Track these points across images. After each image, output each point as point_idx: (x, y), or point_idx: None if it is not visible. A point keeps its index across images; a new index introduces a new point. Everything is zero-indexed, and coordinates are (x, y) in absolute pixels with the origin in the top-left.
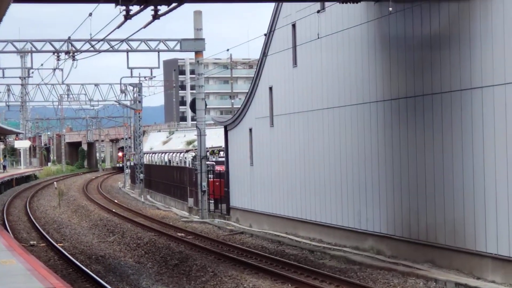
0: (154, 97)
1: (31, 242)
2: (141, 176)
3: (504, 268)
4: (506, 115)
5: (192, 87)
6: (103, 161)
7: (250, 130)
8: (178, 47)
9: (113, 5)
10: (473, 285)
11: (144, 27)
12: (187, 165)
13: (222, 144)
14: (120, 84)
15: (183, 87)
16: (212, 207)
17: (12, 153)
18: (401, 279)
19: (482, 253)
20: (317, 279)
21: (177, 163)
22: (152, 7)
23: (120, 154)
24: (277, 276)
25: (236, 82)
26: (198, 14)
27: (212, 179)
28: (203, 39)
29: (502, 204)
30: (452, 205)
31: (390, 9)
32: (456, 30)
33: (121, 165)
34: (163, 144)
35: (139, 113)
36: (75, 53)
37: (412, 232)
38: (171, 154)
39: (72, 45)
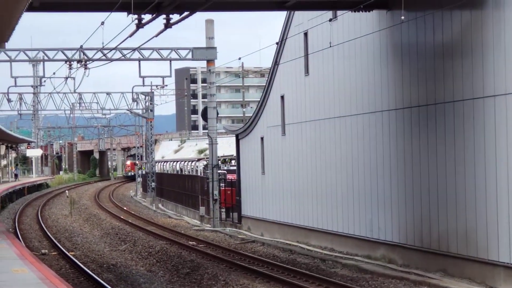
0: (166, 105)
1: (43, 251)
2: (153, 184)
3: None
4: None
5: (204, 96)
6: (115, 169)
7: (262, 138)
8: (190, 56)
9: (125, 14)
10: None
11: (156, 35)
12: (199, 174)
13: (233, 152)
14: (132, 92)
15: (194, 96)
16: (223, 215)
17: (24, 162)
18: None
19: (494, 262)
20: (328, 287)
21: (189, 172)
22: (164, 16)
23: (128, 162)
24: (289, 285)
25: (248, 90)
26: (210, 22)
27: (223, 188)
28: (215, 48)
29: None
30: (464, 214)
31: (402, 17)
32: (468, 38)
33: (130, 174)
34: (175, 153)
35: (150, 122)
36: (87, 62)
37: (424, 241)
38: (182, 162)
39: (84, 53)
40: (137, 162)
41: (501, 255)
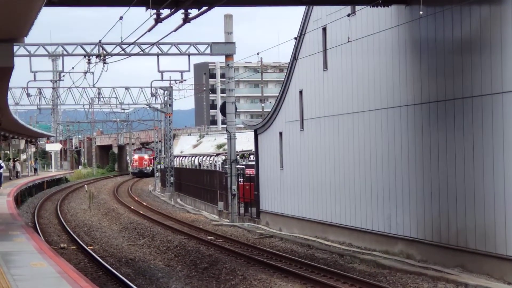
0: (185, 100)
1: (62, 245)
2: (171, 179)
3: None
4: None
5: (223, 91)
6: None
7: (280, 133)
8: (208, 51)
9: (143, 8)
10: None
11: (175, 30)
12: (217, 169)
13: (252, 147)
14: (151, 87)
15: (213, 91)
16: (242, 210)
17: (43, 156)
18: (431, 284)
19: None
20: (346, 283)
21: (207, 167)
22: (182, 11)
23: (135, 156)
24: (307, 280)
25: (267, 85)
26: (228, 17)
27: (242, 183)
28: (233, 43)
29: None
30: (482, 209)
31: (421, 12)
32: (487, 33)
33: (137, 170)
34: (193, 148)
35: (169, 117)
36: (106, 57)
37: (443, 236)
38: (201, 157)
39: (103, 48)
40: (139, 156)
41: None
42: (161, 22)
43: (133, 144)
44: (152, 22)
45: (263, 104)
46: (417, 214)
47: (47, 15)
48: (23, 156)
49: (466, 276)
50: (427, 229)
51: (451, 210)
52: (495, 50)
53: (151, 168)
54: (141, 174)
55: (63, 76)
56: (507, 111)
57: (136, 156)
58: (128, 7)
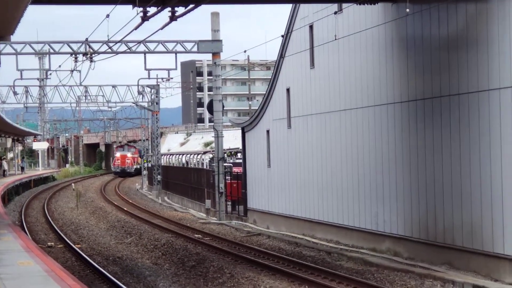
0: (172, 98)
1: (49, 244)
2: (159, 177)
3: None
4: None
5: (210, 89)
6: None
7: (268, 131)
8: (195, 49)
9: (130, 6)
10: (490, 287)
11: (162, 28)
12: (205, 167)
13: (239, 145)
14: (138, 85)
15: (200, 89)
16: (229, 208)
17: (30, 155)
18: (418, 281)
19: (500, 255)
20: (334, 280)
21: (195, 165)
22: (169, 9)
23: (117, 154)
24: (294, 278)
25: (254, 83)
26: (215, 15)
27: (229, 181)
28: (220, 41)
29: None
30: (469, 207)
31: (408, 10)
32: (473, 31)
33: (119, 169)
34: (181, 146)
35: (156, 115)
36: (93, 55)
37: (430, 234)
38: (188, 155)
39: (89, 46)
40: (128, 154)
41: (506, 248)
42: (148, 20)
43: (120, 142)
44: (139, 20)
45: (250, 102)
46: (404, 212)
47: (34, 13)
48: (10, 155)
49: (453, 273)
50: (414, 226)
51: (438, 208)
52: (481, 48)
53: (134, 167)
54: (123, 174)
55: (50, 74)
56: (494, 109)
57: (118, 154)
58: (114, 5)
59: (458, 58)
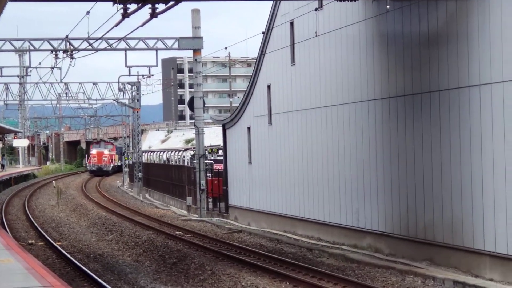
0: (153, 95)
1: (30, 241)
2: (140, 174)
3: (502, 266)
4: (504, 113)
5: (191, 86)
6: None
7: (249, 128)
8: (176, 46)
9: (110, 3)
10: (471, 283)
11: (142, 25)
12: (186, 164)
13: (220, 142)
14: (118, 82)
15: (181, 86)
16: (210, 205)
17: (11, 152)
18: (399, 277)
19: (480, 251)
20: (315, 277)
21: (176, 162)
22: (149, 5)
23: (94, 151)
24: (275, 274)
25: (235, 80)
26: (196, 12)
27: (210, 178)
28: (201, 37)
29: (500, 202)
30: (450, 203)
31: (388, 6)
32: (454, 28)
33: (96, 168)
34: (162, 143)
35: (137, 112)
36: (73, 52)
37: (411, 230)
38: (169, 152)
39: (70, 43)
40: (105, 151)
41: (487, 244)
42: (128, 17)
43: (95, 139)
44: (119, 17)
45: (231, 99)
46: (385, 208)
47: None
48: None
49: (434, 269)
50: (395, 223)
51: (419, 204)
52: (461, 44)
53: (112, 166)
54: (100, 173)
55: (30, 71)
56: (474, 105)
57: (94, 151)
58: (95, 2)
59: (439, 54)
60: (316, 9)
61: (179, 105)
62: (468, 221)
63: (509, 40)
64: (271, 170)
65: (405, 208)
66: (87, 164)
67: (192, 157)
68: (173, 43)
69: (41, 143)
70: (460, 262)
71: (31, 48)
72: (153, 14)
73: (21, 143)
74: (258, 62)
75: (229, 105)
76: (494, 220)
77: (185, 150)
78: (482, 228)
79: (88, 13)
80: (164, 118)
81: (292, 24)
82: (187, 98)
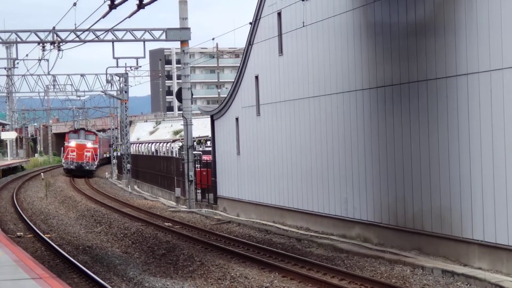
0: (141, 87)
1: (18, 233)
2: (128, 166)
3: (491, 255)
4: (491, 102)
5: (179, 77)
6: None
7: (237, 119)
8: (163, 37)
9: None
10: (459, 272)
11: (129, 16)
12: (174, 155)
13: (209, 133)
14: (106, 74)
15: (169, 77)
16: (199, 196)
17: None
18: (388, 267)
19: (468, 240)
20: (304, 267)
21: (164, 153)
22: None
23: (72, 143)
24: (265, 265)
25: (223, 71)
26: (183, 3)
27: (199, 169)
28: (188, 29)
29: (488, 190)
30: (438, 193)
31: None
32: (441, 17)
33: (74, 166)
34: (150, 134)
35: (125, 103)
36: (60, 43)
37: (399, 220)
38: (158, 144)
39: (57, 35)
40: (88, 144)
41: (475, 233)
42: (116, 8)
43: (74, 127)
44: (106, 8)
45: (219, 90)
46: (373, 198)
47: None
48: None
49: (422, 259)
50: (384, 212)
51: (407, 194)
52: (449, 33)
53: (95, 163)
54: (80, 172)
55: (17, 63)
56: (462, 95)
57: (72, 143)
58: None
59: (426, 44)
60: (303, 0)
61: (167, 97)
62: (456, 210)
63: (496, 29)
64: (260, 161)
65: (394, 198)
66: (63, 161)
67: (181, 148)
68: (161, 34)
69: (29, 135)
70: (448, 251)
71: (18, 40)
72: (140, 5)
73: (9, 136)
74: (246, 53)
75: (217, 96)
76: (483, 209)
77: (174, 141)
78: (470, 217)
79: (75, 4)
80: (152, 109)
81: (279, 14)
82: (175, 89)
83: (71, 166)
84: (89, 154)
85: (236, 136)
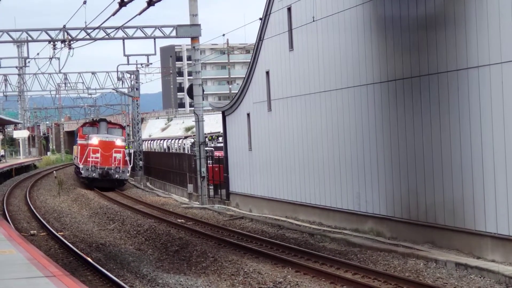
0: (152, 84)
1: (32, 232)
2: (140, 163)
3: (504, 247)
4: (503, 94)
5: (190, 73)
6: None
7: (248, 115)
8: (174, 34)
9: None
10: (473, 265)
11: (139, 14)
12: (186, 152)
13: (220, 129)
14: (117, 71)
15: (180, 74)
16: (212, 192)
17: (11, 143)
18: (401, 260)
19: (481, 232)
20: (317, 262)
21: (176, 150)
22: None
23: (93, 141)
24: (278, 260)
25: (234, 67)
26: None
27: (211, 165)
28: (198, 25)
29: (500, 183)
30: (450, 186)
31: None
32: (451, 10)
33: (94, 174)
34: (162, 131)
35: (137, 101)
36: (71, 42)
37: (412, 213)
38: (169, 140)
39: (68, 33)
40: (117, 141)
41: (488, 226)
42: (125, 6)
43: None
44: (116, 6)
45: (230, 86)
46: (386, 192)
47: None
48: None
49: (436, 252)
50: (397, 206)
51: (419, 187)
52: (459, 26)
53: (129, 169)
54: (106, 182)
55: (29, 62)
56: (473, 87)
57: (94, 140)
58: None
59: (437, 37)
60: None
61: (178, 93)
62: (469, 203)
63: (507, 21)
64: (272, 156)
65: (406, 192)
66: (81, 166)
67: (192, 144)
68: (171, 31)
69: (41, 133)
70: (461, 244)
71: (29, 39)
72: (150, 2)
73: (21, 134)
74: (256, 49)
75: (228, 92)
76: (495, 201)
77: (185, 137)
78: (483, 209)
79: (85, 2)
80: (164, 106)
81: (289, 9)
82: (186, 86)
83: (93, 174)
84: (119, 156)
85: (248, 132)
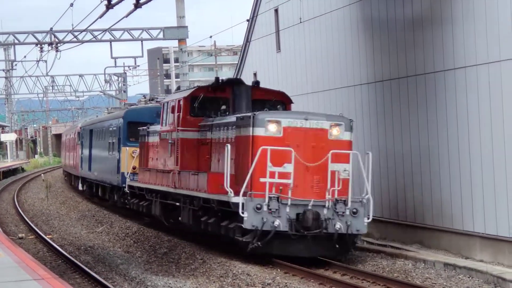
0: (139, 86)
1: (20, 235)
2: None
3: (492, 247)
4: (490, 94)
5: (177, 75)
6: None
7: None
8: (161, 36)
9: None
10: (461, 265)
11: (126, 16)
12: None
13: None
14: (105, 74)
15: (167, 76)
16: None
17: None
18: (389, 261)
19: (469, 232)
20: (306, 263)
21: None
22: None
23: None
24: (266, 261)
25: (221, 69)
26: (180, 1)
27: None
28: (186, 27)
29: (488, 183)
30: (438, 186)
31: None
32: (438, 10)
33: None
34: None
35: (124, 103)
36: (58, 44)
37: (400, 214)
38: None
39: (55, 36)
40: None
41: (476, 226)
42: (112, 8)
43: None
44: (103, 8)
45: None
46: (374, 193)
47: None
48: None
49: (424, 252)
50: (385, 207)
51: (407, 188)
52: (446, 27)
53: None
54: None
55: (16, 65)
56: (460, 87)
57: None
58: None
59: (424, 38)
60: None
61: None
62: (457, 203)
63: (493, 22)
64: None
65: (394, 192)
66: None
67: None
68: (158, 33)
69: (29, 136)
70: (450, 244)
71: (16, 41)
72: (137, 5)
73: (8, 137)
74: (244, 50)
75: None
76: (483, 201)
77: None
78: (471, 209)
79: (71, 5)
80: None
81: (276, 11)
82: (173, 88)
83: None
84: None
85: None
